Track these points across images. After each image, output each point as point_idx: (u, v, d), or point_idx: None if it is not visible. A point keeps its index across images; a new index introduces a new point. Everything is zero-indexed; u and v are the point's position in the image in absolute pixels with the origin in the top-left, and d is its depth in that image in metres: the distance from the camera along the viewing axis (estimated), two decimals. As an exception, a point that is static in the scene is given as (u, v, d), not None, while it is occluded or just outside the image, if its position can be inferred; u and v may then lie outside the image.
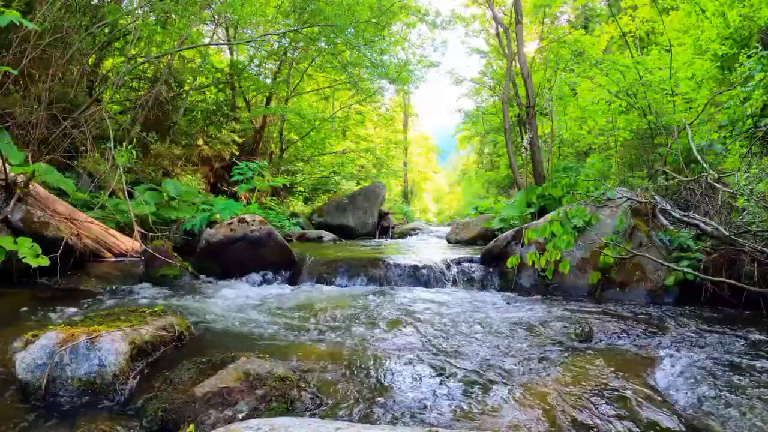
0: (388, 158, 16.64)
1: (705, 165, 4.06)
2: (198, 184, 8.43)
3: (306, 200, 13.16)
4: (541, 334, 2.50)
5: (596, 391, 1.74)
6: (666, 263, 3.30)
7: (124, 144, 5.20)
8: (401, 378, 1.88)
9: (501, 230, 6.16)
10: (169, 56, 7.65)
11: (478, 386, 1.82)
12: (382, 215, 10.84)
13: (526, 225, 4.21)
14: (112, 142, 4.59)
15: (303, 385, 1.68)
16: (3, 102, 4.60)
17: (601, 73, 7.14)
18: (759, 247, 2.97)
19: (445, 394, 1.76)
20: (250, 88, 10.86)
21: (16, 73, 3.44)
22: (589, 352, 2.24)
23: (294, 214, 9.92)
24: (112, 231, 4.36)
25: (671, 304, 3.29)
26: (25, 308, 2.79)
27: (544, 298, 3.56)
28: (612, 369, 1.97)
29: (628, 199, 3.93)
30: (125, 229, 4.55)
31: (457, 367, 1.99)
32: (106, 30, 6.42)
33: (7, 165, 3.57)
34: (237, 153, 10.02)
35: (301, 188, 12.88)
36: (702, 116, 5.46)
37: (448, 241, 7.79)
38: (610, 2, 12.90)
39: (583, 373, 1.93)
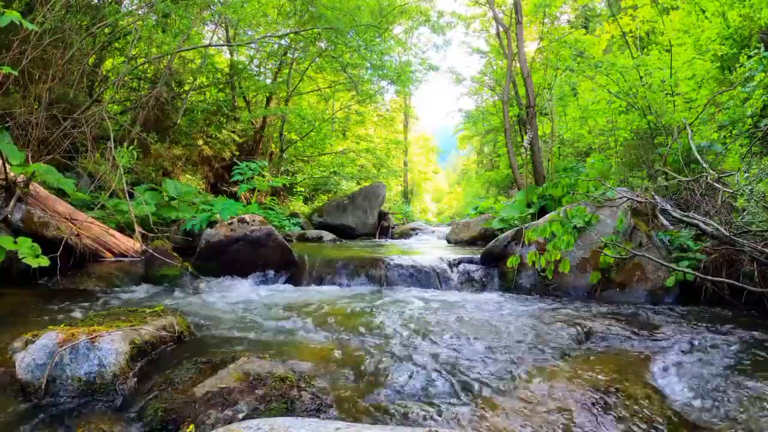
0: (388, 158, 16.65)
1: (705, 165, 4.06)
2: (198, 184, 8.45)
3: (306, 200, 13.18)
4: (541, 334, 2.50)
5: (595, 391, 1.74)
6: (666, 263, 3.29)
7: (125, 144, 5.20)
8: (401, 378, 1.88)
9: (501, 230, 6.15)
10: (170, 57, 7.65)
11: (477, 386, 1.82)
12: (382, 215, 10.83)
13: (526, 225, 4.21)
14: (112, 142, 4.58)
15: (303, 385, 1.68)
16: (3, 102, 4.60)
17: (601, 73, 7.15)
18: (759, 247, 2.96)
19: (445, 394, 1.76)
20: (250, 88, 10.87)
21: (16, 73, 3.44)
22: (588, 352, 2.24)
23: (294, 214, 9.91)
24: (112, 231, 4.36)
25: (671, 304, 3.29)
26: (25, 308, 2.79)
27: (544, 298, 3.57)
28: (611, 369, 1.97)
29: (628, 199, 3.93)
30: (125, 229, 4.54)
31: (457, 367, 1.99)
32: (107, 30, 6.42)
33: (7, 165, 3.57)
34: (237, 153, 10.03)
35: (301, 188, 12.90)
36: (702, 116, 5.46)
37: (448, 241, 7.79)
38: (610, 2, 12.89)
39: (583, 373, 1.92)
